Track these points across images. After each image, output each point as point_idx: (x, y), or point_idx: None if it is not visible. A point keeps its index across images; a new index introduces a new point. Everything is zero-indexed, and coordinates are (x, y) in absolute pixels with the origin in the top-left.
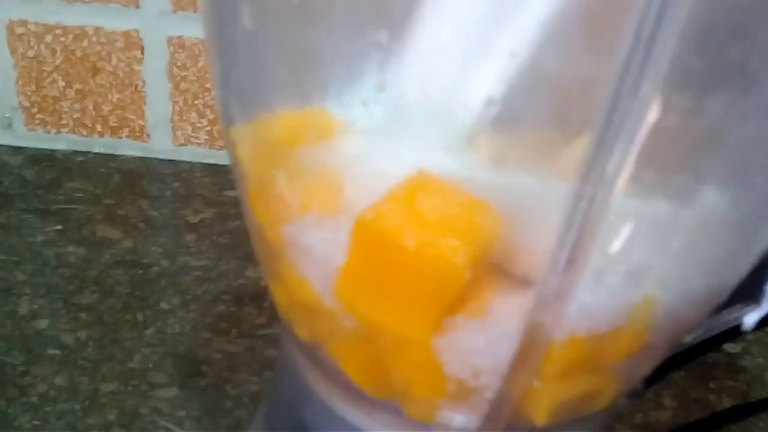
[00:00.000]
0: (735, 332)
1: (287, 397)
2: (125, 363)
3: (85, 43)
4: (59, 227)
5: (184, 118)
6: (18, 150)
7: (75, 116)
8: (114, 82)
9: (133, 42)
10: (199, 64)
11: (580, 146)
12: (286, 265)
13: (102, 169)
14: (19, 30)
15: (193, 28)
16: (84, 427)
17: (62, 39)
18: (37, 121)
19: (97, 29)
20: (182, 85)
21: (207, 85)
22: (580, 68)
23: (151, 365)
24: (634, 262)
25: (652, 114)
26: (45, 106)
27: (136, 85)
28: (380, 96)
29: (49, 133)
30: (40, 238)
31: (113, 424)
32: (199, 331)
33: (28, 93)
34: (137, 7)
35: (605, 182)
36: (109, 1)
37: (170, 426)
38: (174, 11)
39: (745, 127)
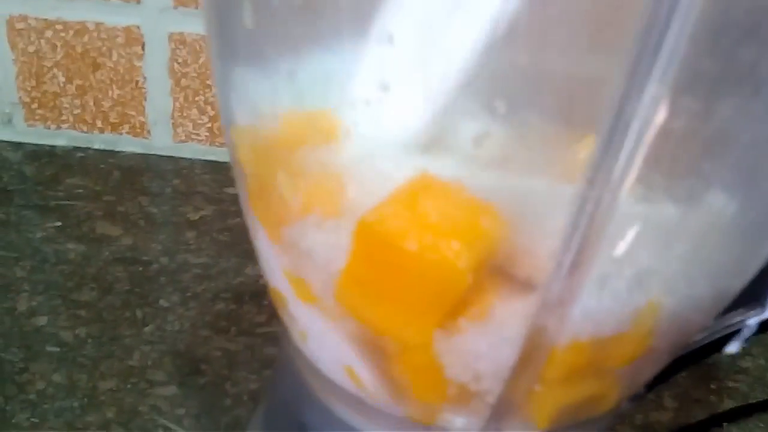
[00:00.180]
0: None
1: (286, 397)
2: (124, 360)
3: (86, 38)
4: (59, 223)
5: (185, 114)
6: (18, 146)
7: (75, 112)
8: (114, 78)
9: (133, 38)
10: (200, 61)
11: (587, 149)
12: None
13: (102, 166)
14: (20, 25)
15: (194, 24)
16: (82, 425)
17: (63, 34)
18: (37, 117)
19: (98, 25)
20: (183, 82)
21: (208, 82)
22: (587, 70)
23: (150, 363)
24: (640, 266)
25: (660, 117)
26: (45, 102)
27: (137, 81)
28: (383, 96)
29: (49, 128)
30: (39, 235)
31: (112, 422)
32: (198, 329)
33: (28, 88)
34: (138, 2)
35: (611, 185)
36: None
37: (169, 424)
38: (175, 7)
39: (754, 131)
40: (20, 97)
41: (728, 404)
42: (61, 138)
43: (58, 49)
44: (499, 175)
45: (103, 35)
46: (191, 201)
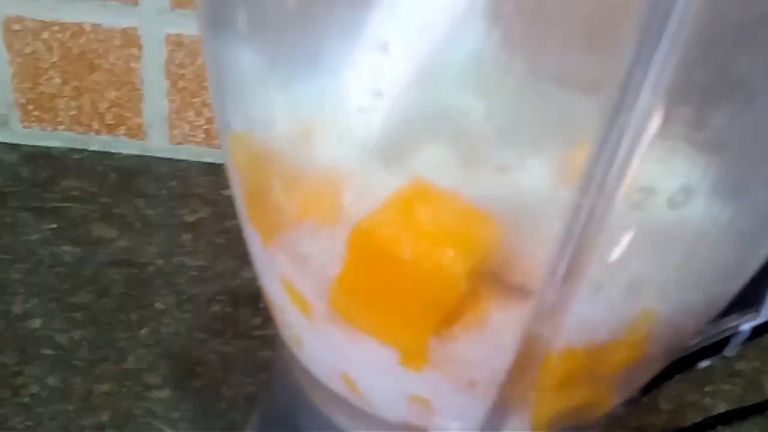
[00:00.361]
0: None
1: (282, 402)
2: (119, 364)
3: (83, 40)
4: (54, 226)
5: (182, 116)
6: (13, 147)
7: (71, 113)
8: (111, 80)
9: (130, 39)
10: (197, 62)
11: (581, 156)
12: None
13: (98, 167)
14: (16, 26)
15: (191, 26)
16: (77, 429)
17: (59, 36)
18: (33, 119)
19: (95, 26)
20: (180, 84)
21: (205, 84)
22: (580, 78)
23: (145, 366)
24: (633, 273)
25: (653, 125)
26: (41, 103)
27: (134, 83)
28: (377, 103)
29: (45, 130)
30: (34, 237)
31: (107, 426)
32: (194, 332)
33: (25, 90)
34: (135, 4)
35: (605, 193)
36: None
37: (164, 427)
38: (172, 9)
39: (747, 139)
40: (16, 99)
41: (723, 407)
42: (58, 140)
43: (55, 51)
44: (494, 182)
45: (100, 37)
46: (188, 203)
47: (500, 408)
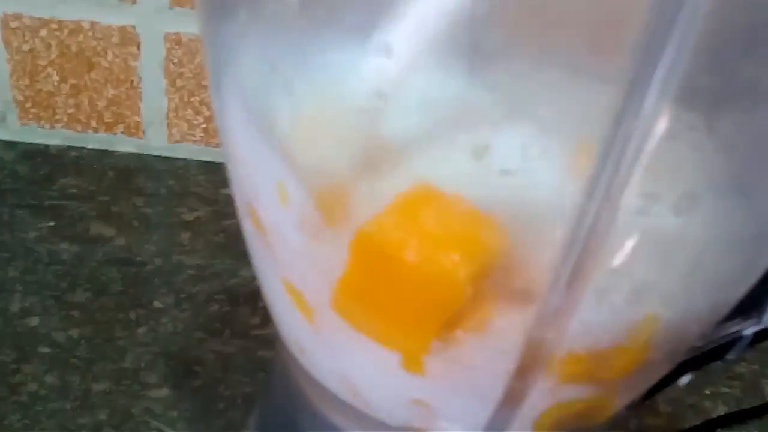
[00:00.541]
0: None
1: (281, 403)
2: (117, 362)
3: (81, 37)
4: (52, 223)
5: (180, 114)
6: (11, 145)
7: (69, 111)
8: (109, 78)
9: (129, 37)
10: (196, 61)
11: (586, 161)
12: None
13: (96, 166)
14: (14, 24)
15: (190, 25)
16: (75, 427)
17: (57, 33)
18: (30, 116)
19: (93, 24)
20: (178, 82)
21: (203, 82)
22: (586, 81)
23: (143, 365)
24: (638, 279)
25: (659, 130)
26: (39, 101)
27: (132, 81)
28: (381, 104)
29: (43, 128)
30: (32, 235)
31: (104, 424)
32: (192, 331)
33: (22, 87)
34: (134, 2)
35: (610, 198)
36: None
37: (162, 427)
38: (171, 7)
39: (754, 146)
40: (14, 96)
41: (722, 410)
42: (55, 137)
43: (53, 48)
44: (499, 186)
45: (99, 35)
46: (186, 202)
47: (503, 411)
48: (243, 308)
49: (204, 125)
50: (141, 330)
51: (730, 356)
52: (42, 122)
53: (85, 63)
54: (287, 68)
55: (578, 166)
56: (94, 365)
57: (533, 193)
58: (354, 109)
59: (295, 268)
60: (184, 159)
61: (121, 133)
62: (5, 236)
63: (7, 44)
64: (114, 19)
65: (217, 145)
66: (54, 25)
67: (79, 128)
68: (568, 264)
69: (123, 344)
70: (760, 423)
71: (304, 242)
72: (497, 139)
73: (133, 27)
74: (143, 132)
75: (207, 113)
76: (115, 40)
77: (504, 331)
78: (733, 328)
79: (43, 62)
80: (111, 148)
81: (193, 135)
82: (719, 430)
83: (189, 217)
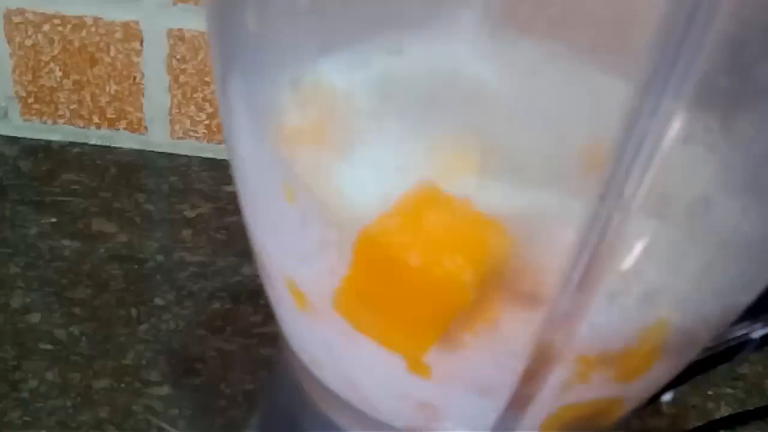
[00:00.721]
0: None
1: (283, 403)
2: (118, 359)
3: (84, 33)
4: (54, 220)
5: (183, 111)
6: (13, 140)
7: (72, 107)
8: (112, 74)
9: (132, 33)
10: (199, 57)
11: (598, 163)
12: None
13: (98, 162)
14: (17, 19)
15: (193, 21)
16: (75, 424)
17: (60, 29)
18: (33, 112)
19: (96, 19)
20: (181, 78)
21: (206, 79)
22: (600, 82)
23: (144, 362)
24: (649, 283)
25: (674, 132)
26: (41, 96)
27: (135, 77)
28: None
29: (45, 123)
30: (34, 231)
31: (105, 422)
32: (193, 329)
33: (25, 83)
34: None
35: (623, 201)
36: None
37: (163, 424)
38: (174, 3)
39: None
40: (16, 92)
41: (725, 411)
42: (58, 133)
43: (56, 44)
44: (507, 189)
45: (101, 30)
46: (188, 198)
47: (510, 415)
48: (245, 306)
49: (207, 122)
50: (142, 327)
51: (739, 359)
52: (44, 118)
53: (87, 59)
54: (295, 66)
55: (591, 167)
56: (95, 362)
57: (542, 196)
58: (360, 110)
59: (299, 269)
60: (187, 155)
61: (124, 129)
62: (6, 232)
63: (10, 39)
64: (117, 14)
65: (220, 142)
66: (57, 21)
67: (82, 124)
68: (579, 267)
69: (124, 341)
70: (763, 424)
71: (308, 242)
72: (503, 140)
73: (137, 23)
74: (146, 128)
75: (210, 110)
76: (118, 35)
77: (513, 334)
78: (741, 331)
79: (45, 58)
80: (113, 145)
81: (196, 131)
82: (722, 431)
83: (191, 213)
